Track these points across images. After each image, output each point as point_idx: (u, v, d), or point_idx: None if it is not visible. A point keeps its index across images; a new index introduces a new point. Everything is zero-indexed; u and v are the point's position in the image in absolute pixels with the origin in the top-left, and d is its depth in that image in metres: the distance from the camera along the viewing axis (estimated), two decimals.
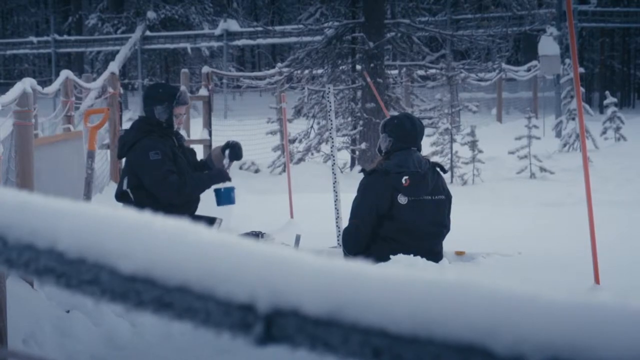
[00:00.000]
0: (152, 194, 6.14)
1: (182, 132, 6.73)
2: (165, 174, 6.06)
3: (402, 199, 5.80)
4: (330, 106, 7.71)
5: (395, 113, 13.57)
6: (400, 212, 5.81)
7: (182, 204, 6.17)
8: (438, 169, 6.05)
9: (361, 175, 6.13)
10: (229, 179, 6.32)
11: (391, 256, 5.40)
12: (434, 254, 5.88)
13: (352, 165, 14.10)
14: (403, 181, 5.80)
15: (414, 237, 5.81)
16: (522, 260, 6.21)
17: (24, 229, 1.00)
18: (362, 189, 5.98)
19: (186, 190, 6.10)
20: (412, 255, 5.48)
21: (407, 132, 6.01)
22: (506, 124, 22.10)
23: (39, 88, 8.12)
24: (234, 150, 6.44)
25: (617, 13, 32.35)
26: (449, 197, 6.05)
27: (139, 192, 6.17)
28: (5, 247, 1.00)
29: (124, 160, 6.59)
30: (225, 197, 6.33)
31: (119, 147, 6.43)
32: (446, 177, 12.88)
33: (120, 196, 6.28)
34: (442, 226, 5.97)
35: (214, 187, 6.33)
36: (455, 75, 13.87)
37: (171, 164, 6.12)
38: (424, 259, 5.47)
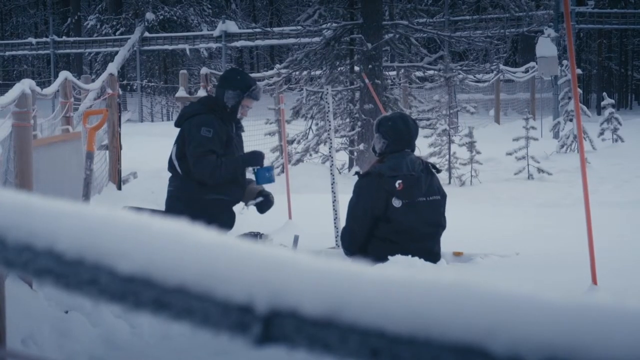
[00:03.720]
0: None
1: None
2: (206, 153, 6.00)
3: (397, 202, 5.83)
4: (329, 107, 7.72)
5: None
6: (395, 214, 5.84)
7: (228, 184, 6.14)
8: (432, 169, 6.09)
9: (356, 178, 6.18)
10: (261, 162, 6.26)
11: (389, 257, 5.42)
12: (432, 255, 5.90)
13: (350, 166, 14.10)
14: (397, 185, 5.84)
15: (410, 238, 5.83)
16: (520, 261, 6.21)
17: (23, 229, 1.00)
18: (357, 191, 6.03)
19: (220, 173, 6.02)
20: (410, 255, 5.50)
21: (402, 134, 6.04)
22: (504, 125, 22.10)
23: (37, 89, 8.11)
24: (263, 204, 6.34)
25: (615, 14, 32.38)
26: (443, 197, 6.08)
27: (184, 163, 6.15)
28: (4, 248, 1.00)
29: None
30: (262, 177, 6.26)
31: (178, 116, 6.41)
32: (444, 178, 12.92)
33: (170, 165, 6.26)
34: (439, 226, 6.00)
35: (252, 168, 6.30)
36: (453, 77, 13.87)
37: (219, 146, 6.05)
38: (422, 260, 5.48)
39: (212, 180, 6.04)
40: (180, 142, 6.17)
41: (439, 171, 6.22)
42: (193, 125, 6.10)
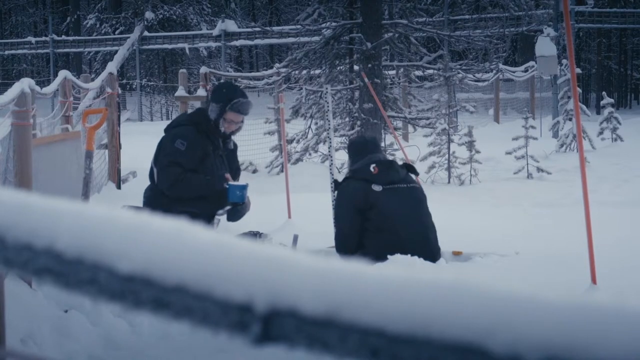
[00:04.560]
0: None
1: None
2: (171, 164, 5.93)
3: (377, 187, 6.01)
4: (328, 106, 7.72)
5: (393, 113, 13.60)
6: (378, 198, 5.97)
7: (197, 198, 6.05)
8: (407, 168, 6.32)
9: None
10: (223, 187, 6.05)
11: (389, 256, 5.44)
12: (428, 245, 5.95)
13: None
14: (372, 169, 6.02)
15: (400, 224, 5.90)
16: (519, 260, 6.22)
17: (23, 228, 1.00)
18: (339, 193, 6.27)
19: (179, 187, 5.92)
20: (406, 247, 5.62)
21: (358, 146, 6.42)
22: (503, 125, 22.10)
23: (37, 88, 8.11)
24: (230, 212, 6.18)
25: (614, 14, 32.41)
26: (422, 191, 6.28)
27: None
28: (4, 247, 1.00)
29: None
30: (233, 194, 6.05)
31: (170, 123, 6.43)
32: (444, 177, 12.92)
33: (150, 171, 6.21)
34: (424, 214, 6.10)
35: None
36: (453, 76, 13.86)
37: (189, 161, 5.96)
38: (422, 259, 5.50)
39: (169, 192, 5.97)
40: (157, 149, 6.15)
41: (417, 173, 6.39)
42: (171, 135, 6.07)
